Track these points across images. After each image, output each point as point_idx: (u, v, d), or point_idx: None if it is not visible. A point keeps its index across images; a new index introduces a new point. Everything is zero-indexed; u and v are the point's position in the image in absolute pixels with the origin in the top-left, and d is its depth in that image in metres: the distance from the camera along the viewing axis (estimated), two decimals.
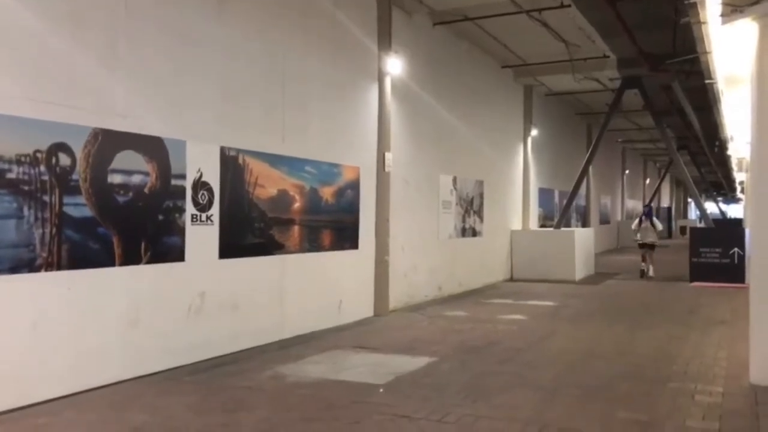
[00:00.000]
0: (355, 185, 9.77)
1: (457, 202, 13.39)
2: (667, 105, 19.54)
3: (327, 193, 9.15)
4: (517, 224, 17.18)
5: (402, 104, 11.01)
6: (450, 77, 12.96)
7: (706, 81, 10.28)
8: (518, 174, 17.46)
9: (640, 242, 16.29)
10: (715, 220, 24.67)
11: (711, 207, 46.95)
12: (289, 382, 6.15)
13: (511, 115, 16.89)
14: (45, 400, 5.36)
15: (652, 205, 27.20)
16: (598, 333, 8.93)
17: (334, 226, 9.30)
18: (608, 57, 15.04)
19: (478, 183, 14.47)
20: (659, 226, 16.43)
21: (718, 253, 14.59)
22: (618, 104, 17.47)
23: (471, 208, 14.14)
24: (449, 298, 12.38)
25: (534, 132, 17.90)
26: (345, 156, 9.53)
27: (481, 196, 14.65)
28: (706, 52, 8.26)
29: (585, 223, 24.35)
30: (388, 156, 10.41)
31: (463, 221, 13.76)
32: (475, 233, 14.36)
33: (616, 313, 10.89)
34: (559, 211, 19.48)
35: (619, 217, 32.42)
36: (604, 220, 28.73)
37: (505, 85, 16.30)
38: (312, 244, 8.83)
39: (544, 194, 19.79)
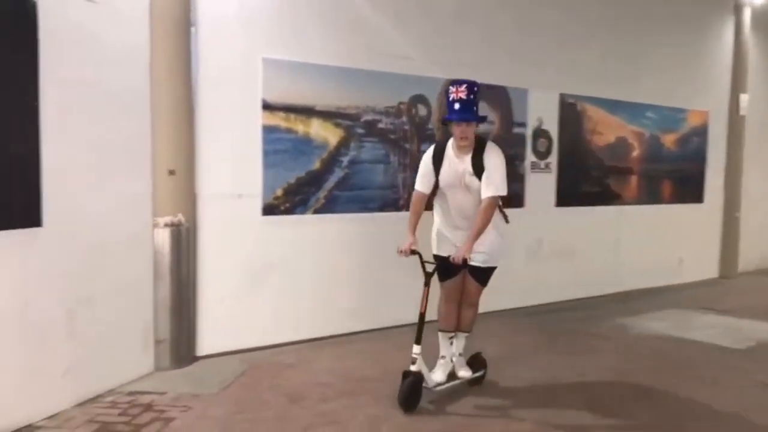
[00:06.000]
0: (701, 132, 8.84)
1: None
2: None
3: (668, 140, 8.46)
4: None
5: (762, 38, 9.53)
6: None
7: None
8: None
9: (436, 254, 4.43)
10: None
11: None
12: (633, 334, 5.95)
13: None
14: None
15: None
16: None
17: (675, 176, 8.58)
18: None
19: None
20: (499, 186, 4.12)
21: None
22: None
23: None
24: None
25: None
26: (690, 99, 8.65)
27: None
28: None
29: None
30: (743, 98, 9.16)
31: None
32: None
33: None
34: None
35: None
36: None
37: None
38: (650, 195, 8.30)
39: None
